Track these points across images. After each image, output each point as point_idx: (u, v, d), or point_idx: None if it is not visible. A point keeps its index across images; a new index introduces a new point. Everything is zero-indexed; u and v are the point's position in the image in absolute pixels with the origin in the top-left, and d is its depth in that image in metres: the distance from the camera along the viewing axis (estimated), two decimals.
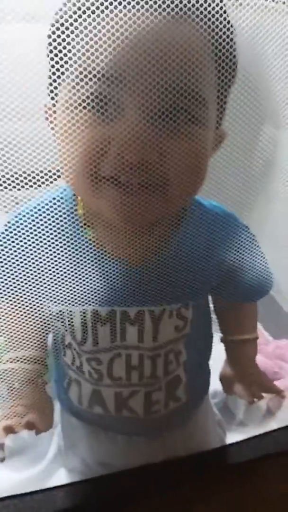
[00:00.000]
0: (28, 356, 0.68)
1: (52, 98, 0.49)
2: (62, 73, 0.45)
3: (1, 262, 0.56)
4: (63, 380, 0.75)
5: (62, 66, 0.44)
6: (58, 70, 0.45)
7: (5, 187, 0.50)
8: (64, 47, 0.43)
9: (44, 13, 0.47)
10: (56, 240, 0.56)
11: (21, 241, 0.54)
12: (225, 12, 0.45)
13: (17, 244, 0.55)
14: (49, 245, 0.56)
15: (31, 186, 0.50)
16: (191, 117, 0.48)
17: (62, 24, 0.43)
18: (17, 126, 0.47)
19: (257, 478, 0.77)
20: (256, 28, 0.49)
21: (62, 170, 0.50)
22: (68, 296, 0.59)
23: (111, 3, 0.42)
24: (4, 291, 0.58)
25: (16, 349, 0.67)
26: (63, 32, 0.43)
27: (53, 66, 0.44)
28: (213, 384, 0.83)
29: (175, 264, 0.61)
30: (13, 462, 0.80)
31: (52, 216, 0.55)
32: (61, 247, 0.56)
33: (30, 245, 0.55)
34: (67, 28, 0.43)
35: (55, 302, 0.60)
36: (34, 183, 0.50)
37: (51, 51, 0.44)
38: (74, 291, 0.58)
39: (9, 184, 0.50)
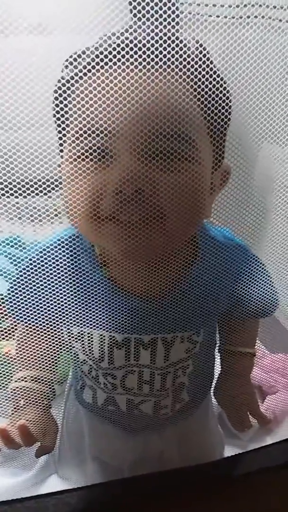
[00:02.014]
0: (38, 377, 0.71)
1: (61, 151, 0.55)
2: (65, 130, 0.52)
3: (25, 292, 0.61)
4: (77, 382, 0.78)
5: (63, 122, 0.51)
6: (61, 128, 0.52)
7: (4, 194, 0.52)
8: (62, 109, 0.51)
9: (54, 25, 0.48)
10: (75, 276, 0.62)
11: (43, 274, 0.60)
12: (209, 60, 0.50)
13: (40, 277, 0.60)
14: (69, 279, 0.61)
15: (34, 194, 0.52)
16: (181, 156, 0.52)
17: (60, 89, 0.51)
18: (23, 135, 0.49)
19: (250, 492, 0.78)
20: (260, 47, 0.51)
21: (68, 215, 0.55)
22: (86, 323, 0.64)
23: (98, 64, 0.49)
24: (27, 317, 0.63)
25: (26, 369, 0.70)
26: (62, 96, 0.51)
27: (58, 125, 0.51)
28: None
29: (189, 298, 0.65)
30: (4, 468, 0.81)
31: (72, 252, 0.61)
32: (80, 282, 0.62)
33: (51, 279, 0.60)
34: (64, 92, 0.51)
35: (73, 326, 0.66)
36: (36, 189, 0.52)
37: (56, 113, 0.52)
38: (92, 320, 0.64)
39: (12, 192, 0.52)
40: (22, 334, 0.69)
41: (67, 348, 0.72)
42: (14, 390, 0.71)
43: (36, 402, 0.71)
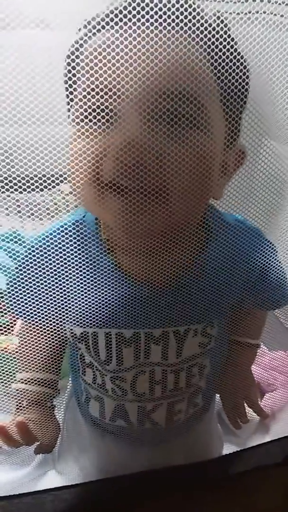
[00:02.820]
0: (41, 379, 0.70)
1: (68, 117, 0.53)
2: (74, 90, 0.50)
3: (26, 282, 0.58)
4: (80, 395, 0.76)
5: (73, 82, 0.49)
6: (71, 89, 0.50)
7: (7, 190, 0.52)
8: (74, 68, 0.48)
9: (56, 20, 0.48)
10: (80, 263, 0.58)
11: (45, 263, 0.57)
12: (226, 27, 0.47)
13: (41, 266, 0.57)
14: (73, 268, 0.58)
15: (33, 189, 0.52)
16: (189, 122, 0.49)
17: (73, 48, 0.48)
18: (24, 130, 0.49)
19: (249, 490, 0.78)
20: (263, 43, 0.50)
21: (71, 180, 0.52)
22: (92, 318, 0.61)
23: (108, 22, 0.46)
24: (27, 311, 0.60)
25: (29, 370, 0.69)
26: (73, 55, 0.48)
27: (68, 85, 0.49)
28: None
29: (201, 285, 0.62)
30: (2, 463, 0.81)
31: (76, 239, 0.58)
32: (85, 270, 0.58)
33: (53, 267, 0.58)
34: (76, 50, 0.48)
35: (78, 324, 0.62)
36: (37, 186, 0.52)
37: (66, 72, 0.49)
38: (98, 314, 0.60)
39: (12, 187, 0.51)
40: (23, 332, 0.69)
41: (71, 353, 0.71)
42: (16, 390, 0.70)
43: (39, 403, 0.70)
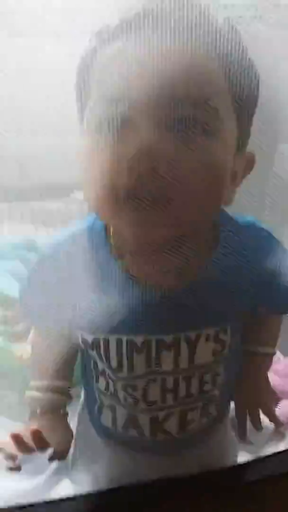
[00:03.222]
0: (53, 386, 0.71)
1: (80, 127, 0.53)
2: (85, 103, 0.51)
3: (37, 290, 0.60)
4: (93, 405, 0.75)
5: (86, 92, 0.50)
6: (82, 99, 0.51)
7: (22, 198, 0.52)
8: (86, 77, 0.50)
9: (68, 30, 0.49)
10: (90, 269, 0.59)
11: (55, 270, 0.59)
12: (237, 33, 0.49)
13: (52, 273, 0.59)
14: (83, 274, 0.59)
15: (47, 198, 0.53)
16: (202, 128, 0.49)
17: (85, 57, 0.49)
18: (39, 140, 0.50)
19: (262, 499, 0.77)
20: (271, 44, 0.51)
21: (86, 194, 0.53)
22: (103, 324, 0.61)
23: (121, 30, 0.47)
24: (39, 318, 0.62)
25: (41, 378, 0.70)
26: (85, 64, 0.49)
27: (79, 95, 0.51)
28: None
29: (210, 288, 0.61)
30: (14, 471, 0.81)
31: (86, 246, 0.59)
32: (95, 276, 0.59)
33: (64, 274, 0.58)
34: (87, 61, 0.49)
35: (89, 330, 0.63)
36: (51, 195, 0.52)
37: (78, 83, 0.50)
38: (109, 320, 0.61)
39: (26, 196, 0.52)
40: (35, 340, 0.69)
41: (83, 361, 0.71)
42: (30, 398, 0.71)
43: (52, 410, 0.71)
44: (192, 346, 0.64)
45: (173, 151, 0.48)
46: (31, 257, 0.62)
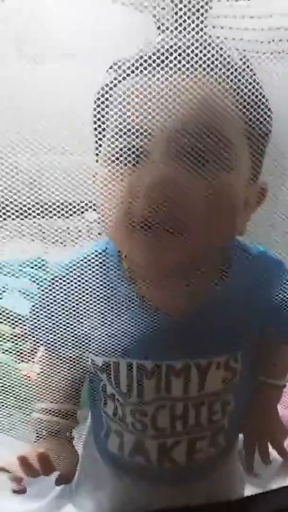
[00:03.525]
0: (60, 409, 0.71)
1: (96, 155, 0.55)
2: (103, 131, 0.52)
3: (49, 310, 0.61)
4: (100, 429, 0.75)
5: (103, 123, 0.51)
6: (100, 128, 0.51)
7: (33, 216, 0.53)
8: (103, 109, 0.51)
9: (81, 52, 0.51)
10: (102, 292, 0.60)
11: (68, 292, 0.59)
12: (249, 67, 0.50)
13: (64, 294, 0.60)
14: (95, 297, 0.60)
15: (58, 216, 0.54)
16: (217, 160, 0.50)
17: (103, 91, 0.51)
18: (50, 158, 0.51)
19: None
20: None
21: (103, 221, 0.55)
22: (113, 348, 0.62)
23: (138, 67, 0.48)
24: (49, 338, 0.62)
25: (48, 400, 0.70)
26: (102, 99, 0.51)
27: (96, 127, 0.52)
28: None
29: (220, 313, 0.62)
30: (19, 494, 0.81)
31: (99, 269, 0.60)
32: (107, 299, 0.60)
33: (76, 295, 0.59)
34: (104, 95, 0.51)
35: (100, 353, 0.63)
36: (61, 213, 0.53)
37: (95, 116, 0.51)
38: (120, 344, 0.61)
39: (36, 213, 0.53)
40: (44, 360, 0.70)
41: (91, 385, 0.71)
42: (36, 420, 0.71)
43: (58, 433, 0.71)
44: (203, 373, 0.64)
45: (187, 182, 0.50)
46: (40, 275, 0.63)
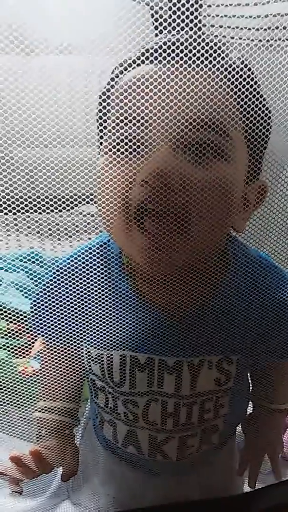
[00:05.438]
0: (61, 408, 0.72)
1: (100, 144, 0.56)
2: (105, 122, 0.53)
3: (50, 302, 0.62)
4: (96, 418, 0.77)
5: (104, 116, 0.53)
6: (102, 120, 0.53)
7: (27, 211, 0.54)
8: (107, 102, 0.53)
9: (83, 46, 0.51)
10: (101, 285, 0.61)
11: (70, 282, 0.60)
12: (245, 64, 0.51)
13: (66, 285, 0.60)
14: (94, 289, 0.61)
15: (53, 210, 0.54)
16: (214, 151, 0.52)
17: (107, 84, 0.53)
18: (48, 152, 0.51)
19: None
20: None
21: (100, 211, 0.55)
22: (108, 340, 0.63)
23: (141, 59, 0.50)
24: (50, 330, 0.63)
25: (50, 399, 0.71)
26: (108, 91, 0.53)
27: (99, 118, 0.53)
28: None
29: (216, 317, 0.63)
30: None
31: (100, 261, 0.60)
32: (106, 292, 0.61)
33: (76, 287, 0.60)
34: (111, 87, 0.53)
35: (95, 344, 0.65)
36: (57, 207, 0.54)
37: (99, 111, 0.53)
38: (113, 336, 0.63)
39: (32, 208, 0.54)
40: (44, 356, 0.70)
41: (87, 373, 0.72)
42: (38, 419, 0.72)
43: (59, 431, 0.72)
44: (195, 371, 0.65)
45: (185, 171, 0.51)
46: (36, 269, 0.64)
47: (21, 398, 0.71)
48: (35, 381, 0.71)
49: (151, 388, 0.66)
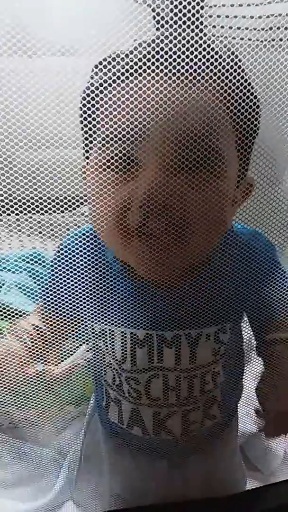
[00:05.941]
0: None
1: (87, 158, 0.56)
2: (92, 136, 0.53)
3: (55, 278, 0.63)
4: (101, 401, 0.78)
5: (91, 129, 0.52)
6: (88, 133, 0.53)
7: (29, 211, 0.54)
8: (93, 112, 0.52)
9: (80, 47, 0.52)
10: (98, 263, 0.62)
11: (71, 260, 0.61)
12: (240, 68, 0.51)
13: (67, 263, 0.62)
14: (93, 267, 0.62)
15: (55, 211, 0.55)
16: (207, 170, 0.52)
17: (90, 94, 0.51)
18: (50, 153, 0.52)
19: None
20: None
21: (94, 225, 0.56)
22: (105, 315, 0.64)
23: (131, 74, 0.49)
24: (52, 303, 0.64)
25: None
26: (91, 101, 0.51)
27: (85, 131, 0.53)
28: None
29: (208, 286, 0.65)
30: (20, 492, 0.82)
31: (96, 243, 0.61)
32: (102, 269, 0.62)
33: (78, 265, 0.61)
34: (94, 97, 0.51)
35: (93, 319, 0.66)
36: (58, 208, 0.54)
37: (83, 117, 0.52)
38: (110, 312, 0.64)
39: (34, 208, 0.54)
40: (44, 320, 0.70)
41: (93, 356, 0.73)
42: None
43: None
44: (193, 344, 0.66)
45: (181, 190, 0.52)
46: (38, 270, 0.64)
47: (23, 398, 0.71)
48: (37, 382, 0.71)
49: (151, 364, 0.68)
